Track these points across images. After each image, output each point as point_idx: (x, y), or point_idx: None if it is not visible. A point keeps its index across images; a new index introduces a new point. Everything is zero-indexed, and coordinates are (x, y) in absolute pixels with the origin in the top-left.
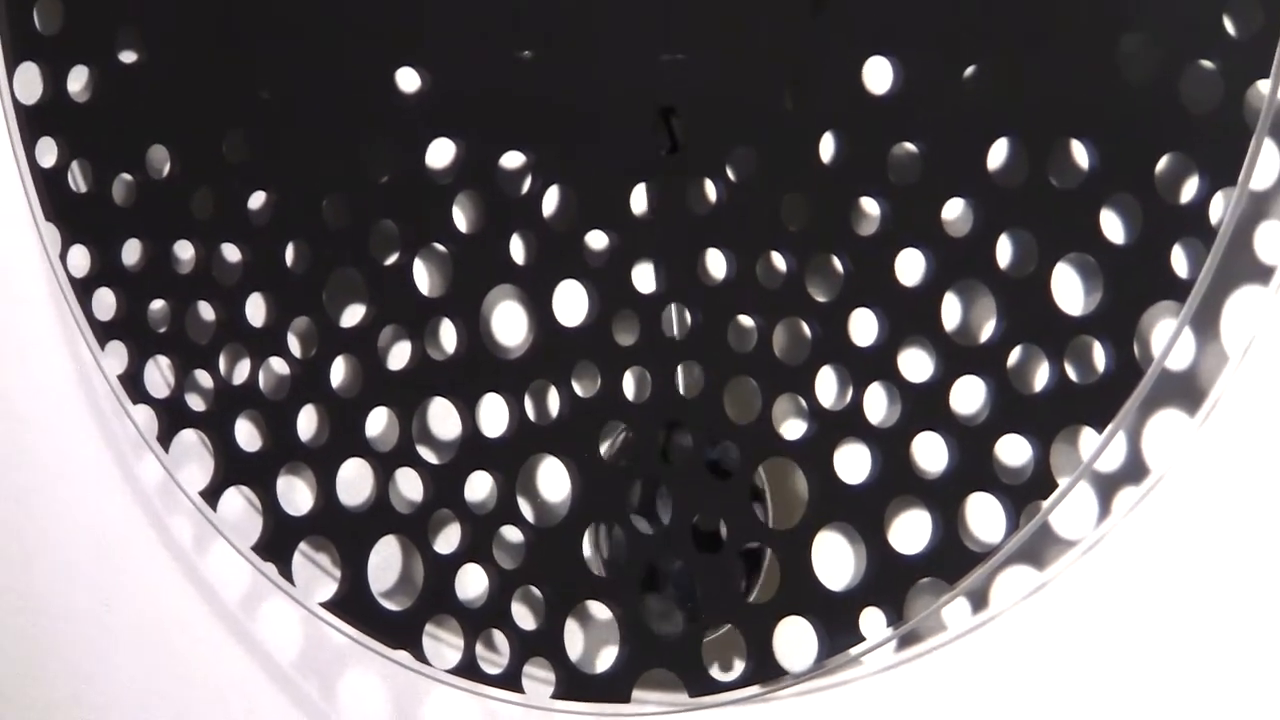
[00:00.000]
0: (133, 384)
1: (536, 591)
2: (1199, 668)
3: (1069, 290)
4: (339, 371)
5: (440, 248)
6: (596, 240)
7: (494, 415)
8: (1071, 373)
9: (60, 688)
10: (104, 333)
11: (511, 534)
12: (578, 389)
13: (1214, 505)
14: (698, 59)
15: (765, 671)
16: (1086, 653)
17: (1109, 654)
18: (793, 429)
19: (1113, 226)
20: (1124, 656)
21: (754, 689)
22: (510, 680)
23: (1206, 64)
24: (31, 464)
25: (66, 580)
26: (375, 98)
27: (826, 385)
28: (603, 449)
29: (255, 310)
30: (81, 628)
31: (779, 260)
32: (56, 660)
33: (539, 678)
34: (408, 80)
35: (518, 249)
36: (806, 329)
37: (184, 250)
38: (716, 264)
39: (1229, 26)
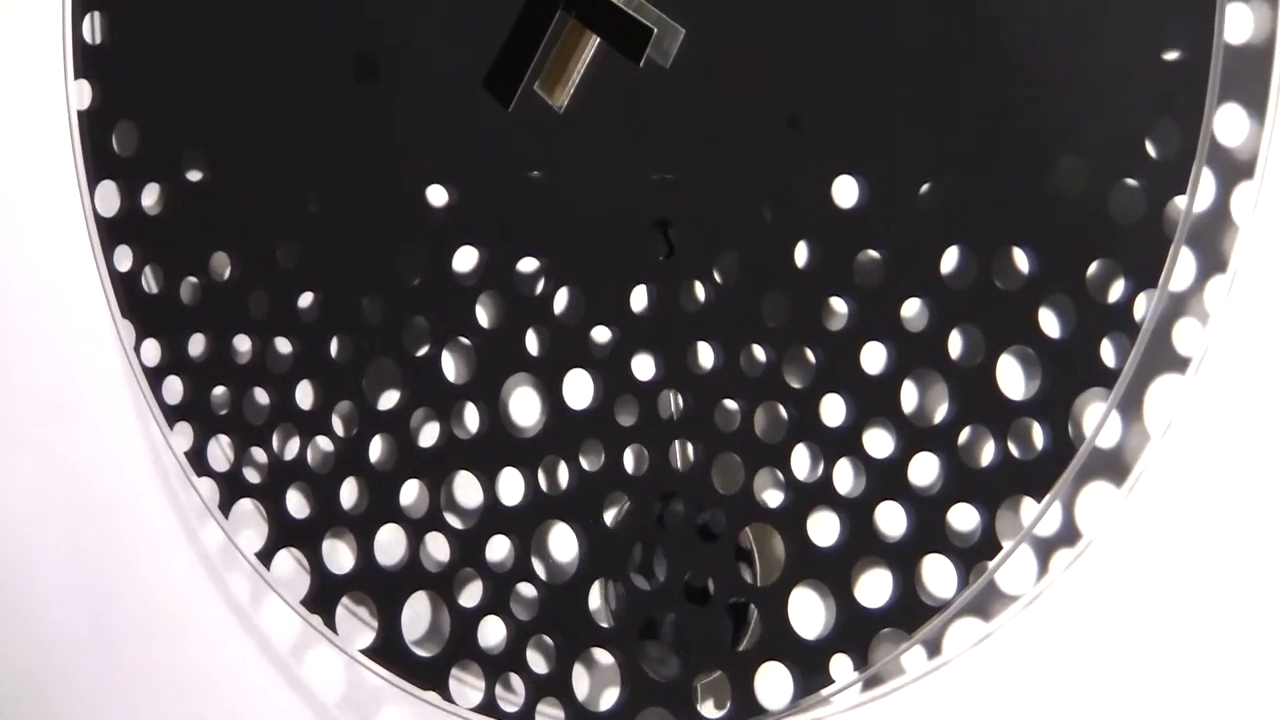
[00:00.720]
0: (197, 459)
1: (548, 639)
2: (1131, 707)
3: (1012, 378)
4: (376, 449)
5: (465, 341)
6: (601, 335)
7: (511, 486)
8: (1014, 450)
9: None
10: (173, 415)
11: (526, 590)
12: (584, 464)
13: (1140, 565)
14: (686, 177)
15: (748, 710)
16: (1029, 695)
17: (1049, 696)
18: (772, 498)
19: (1050, 323)
20: (1063, 698)
21: None
22: (525, 718)
23: (1131, 182)
24: (109, 529)
25: (139, 630)
26: (408, 210)
27: (801, 461)
28: (609, 516)
29: (304, 395)
30: (151, 670)
31: (760, 352)
32: (129, 697)
33: (550, 715)
34: (437, 196)
35: (532, 342)
36: (784, 411)
37: (242, 343)
38: (706, 355)
39: (1150, 150)
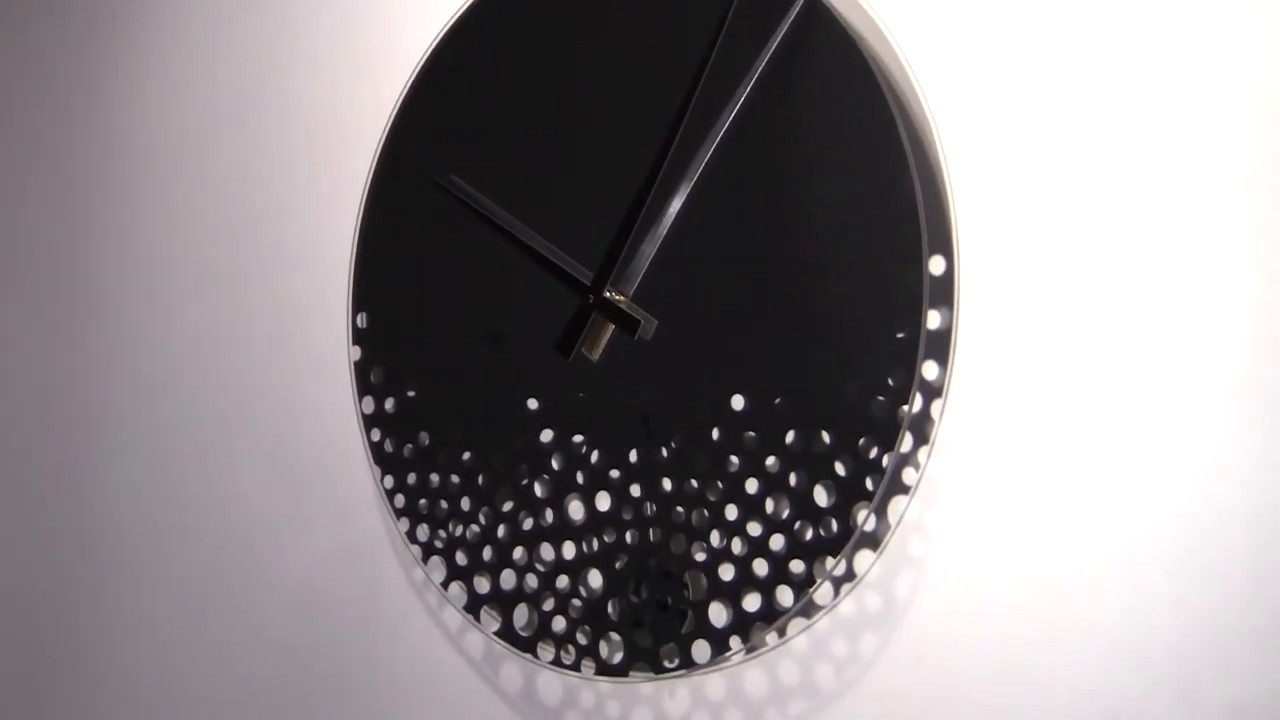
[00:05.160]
0: (411, 536)
1: (587, 627)
2: (879, 666)
3: (821, 496)
4: (501, 531)
5: (546, 476)
6: (614, 474)
7: (569, 550)
8: (822, 532)
9: (380, 675)
10: (398, 513)
11: (576, 602)
12: (607, 539)
13: (886, 592)
14: (659, 395)
15: (688, 664)
16: (830, 658)
17: (839, 658)
18: (700, 556)
19: (840, 469)
20: (845, 660)
21: (681, 672)
22: (575, 666)
23: (881, 398)
24: (369, 571)
25: (388, 623)
26: (518, 411)
27: (715, 538)
28: (617, 565)
29: (465, 504)
30: (387, 638)
31: (694, 482)
32: (376, 647)
33: (587, 665)
34: (532, 404)
35: (579, 477)
36: (706, 513)
37: (434, 478)
38: (666, 484)
39: (890, 382)
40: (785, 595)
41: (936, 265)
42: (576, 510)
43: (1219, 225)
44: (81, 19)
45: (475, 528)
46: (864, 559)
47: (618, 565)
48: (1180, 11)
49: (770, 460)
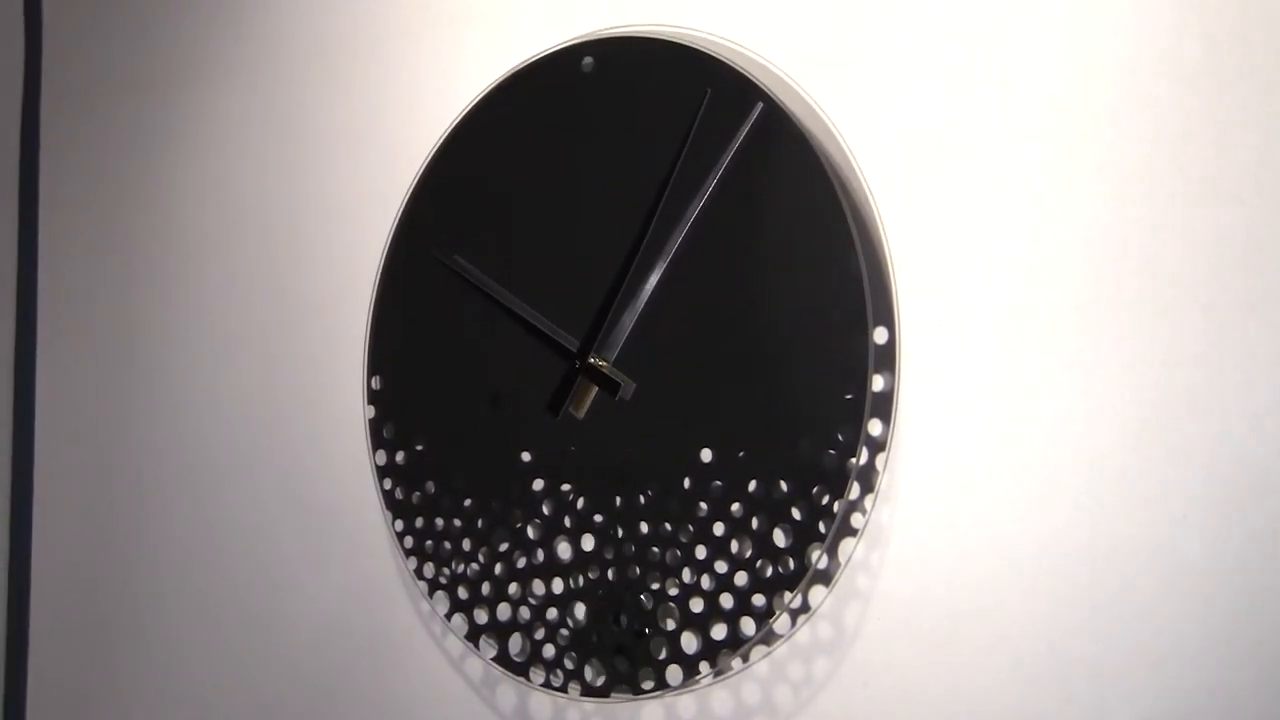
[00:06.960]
0: (419, 574)
1: (573, 654)
2: (832, 683)
3: (780, 538)
4: (497, 569)
5: (537, 520)
6: (598, 518)
7: (558, 584)
8: (780, 569)
9: (390, 696)
10: (408, 553)
11: (564, 632)
12: (592, 576)
13: (839, 620)
14: (637, 448)
15: (662, 686)
16: (789, 679)
17: (796, 679)
18: (674, 591)
19: (796, 513)
20: (801, 680)
21: (657, 693)
22: (563, 688)
23: (831, 452)
24: (379, 604)
25: (395, 648)
26: (513, 463)
27: (686, 574)
28: (600, 598)
29: (466, 544)
30: (397, 661)
31: (668, 525)
32: (387, 682)
33: (574, 687)
34: (526, 456)
35: (566, 521)
36: (679, 552)
37: (439, 522)
38: (644, 528)
39: (839, 437)
40: (748, 625)
41: (880, 335)
42: (565, 550)
43: (1125, 292)
44: (133, 124)
45: (475, 565)
46: (817, 593)
47: (600, 598)
48: (1091, 102)
49: (735, 506)
